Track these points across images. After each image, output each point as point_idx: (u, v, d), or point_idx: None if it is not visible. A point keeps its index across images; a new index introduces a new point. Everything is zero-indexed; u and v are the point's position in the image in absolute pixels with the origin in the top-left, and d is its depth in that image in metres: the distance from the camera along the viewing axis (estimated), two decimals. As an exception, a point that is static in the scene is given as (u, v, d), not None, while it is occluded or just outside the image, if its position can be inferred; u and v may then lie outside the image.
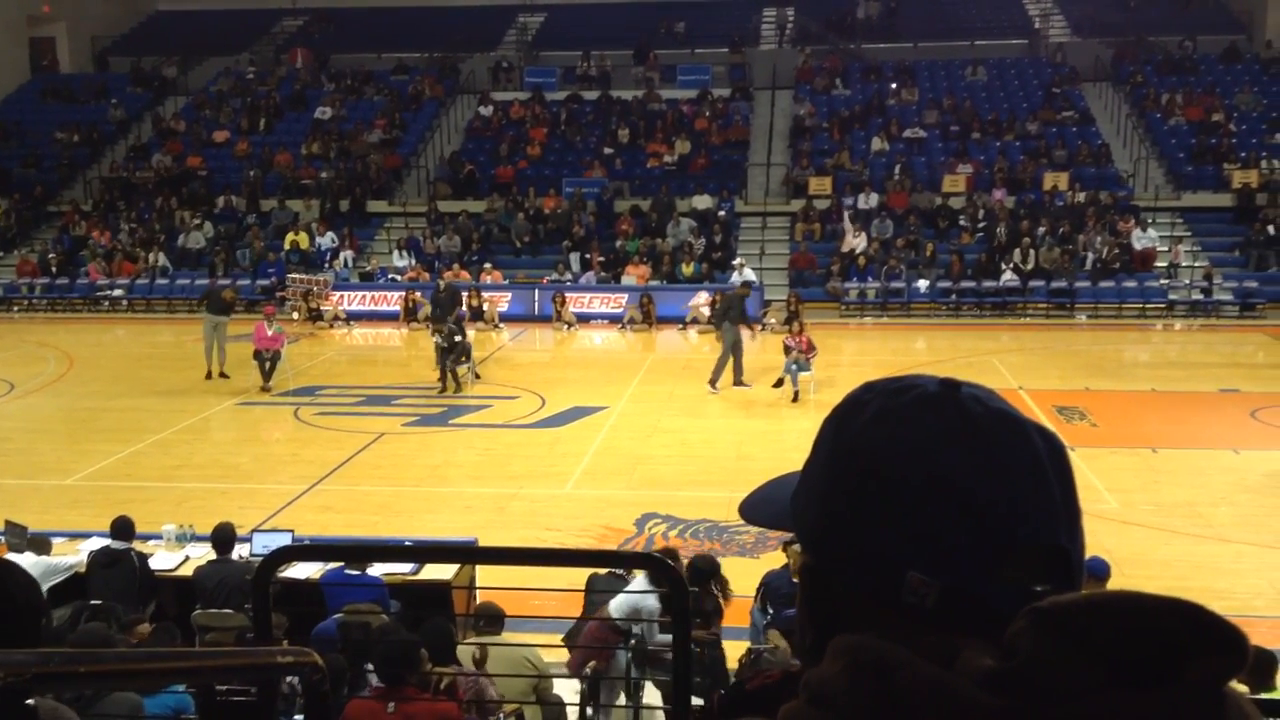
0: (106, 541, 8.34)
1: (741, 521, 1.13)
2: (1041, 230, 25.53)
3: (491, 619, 6.98)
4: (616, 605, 7.21)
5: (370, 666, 6.00)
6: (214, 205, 29.04)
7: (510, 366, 20.10)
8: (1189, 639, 0.74)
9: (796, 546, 1.03)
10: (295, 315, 23.99)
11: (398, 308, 24.39)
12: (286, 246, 26.79)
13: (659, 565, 3.10)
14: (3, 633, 1.83)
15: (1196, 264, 25.09)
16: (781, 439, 14.32)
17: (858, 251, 25.66)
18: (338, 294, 24.84)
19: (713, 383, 17.20)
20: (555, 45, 35.11)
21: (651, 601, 6.98)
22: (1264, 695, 5.59)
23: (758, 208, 28.09)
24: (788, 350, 16.50)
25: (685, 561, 7.55)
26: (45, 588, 8.08)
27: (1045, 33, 34.53)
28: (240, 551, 8.35)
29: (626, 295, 24.27)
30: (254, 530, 9.20)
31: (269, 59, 36.03)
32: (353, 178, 29.37)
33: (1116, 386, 17.68)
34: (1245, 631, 0.76)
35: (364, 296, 25.16)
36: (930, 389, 0.92)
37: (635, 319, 23.57)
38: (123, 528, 8.33)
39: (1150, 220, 26.21)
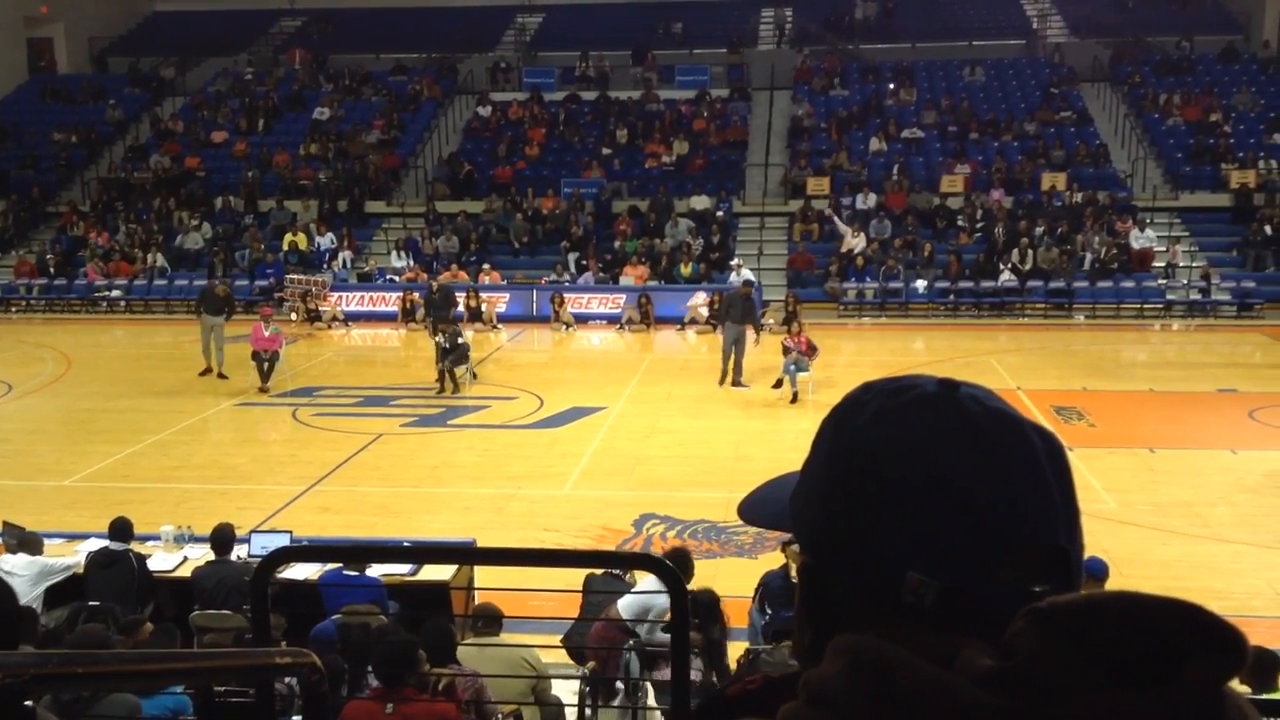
0: (105, 543, 8.33)
1: (740, 522, 1.13)
2: (1039, 230, 25.55)
3: (490, 619, 6.98)
4: (626, 605, 7.20)
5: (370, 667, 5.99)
6: (212, 206, 29.02)
7: (508, 367, 20.11)
8: (1188, 639, 0.74)
9: (795, 547, 1.03)
10: (293, 316, 23.98)
11: (396, 308, 24.38)
12: (285, 247, 26.77)
13: (657, 565, 3.10)
14: None
15: (1194, 264, 25.11)
16: (780, 439, 14.32)
17: (856, 252, 25.67)
18: (336, 295, 24.83)
19: (736, 381, 17.26)
20: (553, 46, 35.12)
21: (662, 601, 6.97)
22: (1265, 696, 5.59)
23: (756, 208, 28.10)
24: (786, 351, 16.50)
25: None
26: (41, 588, 8.08)
27: (1043, 33, 34.55)
28: (239, 552, 8.34)
29: (625, 296, 24.26)
30: (252, 531, 9.20)
31: (267, 59, 36.02)
32: (351, 178, 29.36)
33: (1114, 387, 17.69)
34: (1244, 631, 0.76)
35: (362, 297, 25.16)
36: (929, 389, 0.92)
37: (633, 319, 23.57)
38: (121, 529, 8.33)
39: (1148, 220, 26.22)
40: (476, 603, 7.92)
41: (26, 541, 8.35)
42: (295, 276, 25.05)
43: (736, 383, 17.35)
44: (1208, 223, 26.91)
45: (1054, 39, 33.95)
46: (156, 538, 9.08)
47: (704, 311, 23.32)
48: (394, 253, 26.88)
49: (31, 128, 32.64)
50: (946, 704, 0.76)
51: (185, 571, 8.44)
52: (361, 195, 28.99)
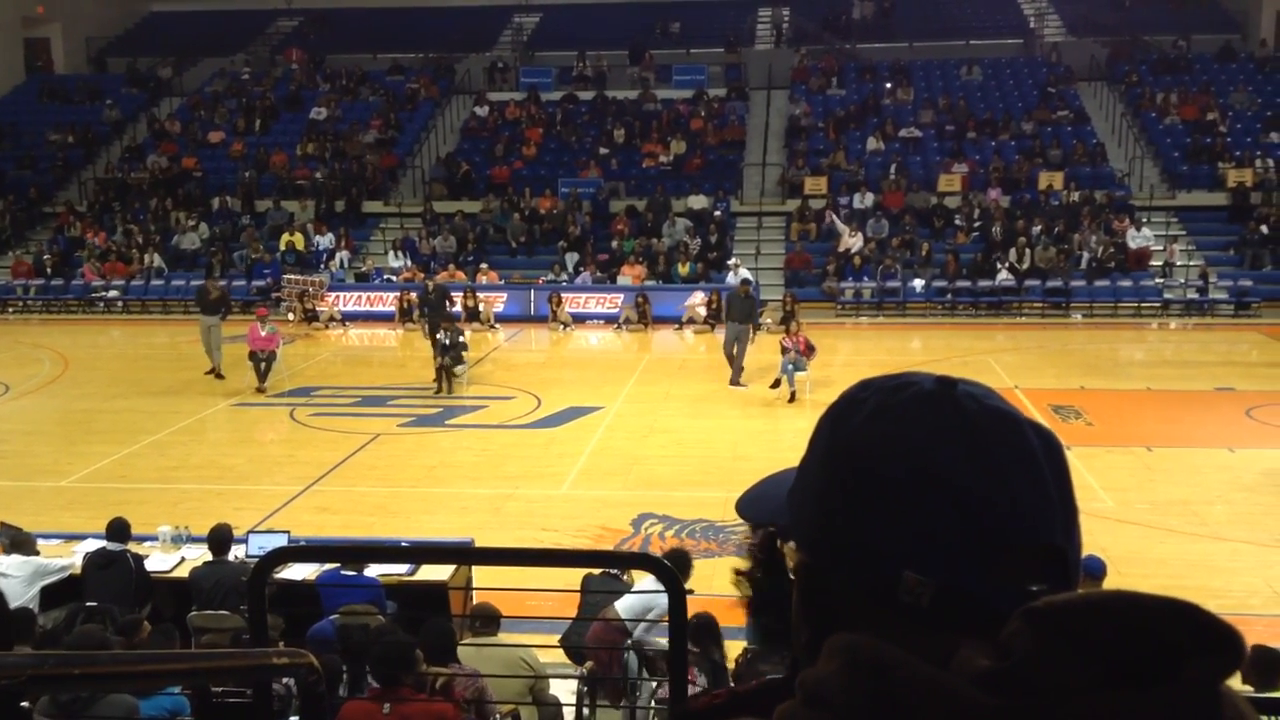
0: (102, 543, 8.32)
1: (738, 521, 1.12)
2: (1037, 229, 25.57)
3: (488, 619, 6.97)
4: (627, 606, 7.18)
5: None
6: (209, 206, 29.00)
7: (506, 367, 20.10)
8: (1185, 639, 0.74)
9: (792, 544, 1.03)
10: (291, 316, 23.97)
11: (393, 308, 24.37)
12: (282, 247, 26.75)
13: (655, 565, 3.10)
14: None
15: (1191, 263, 25.13)
16: (778, 439, 14.32)
17: (853, 251, 25.68)
18: (333, 295, 24.82)
19: (734, 381, 17.28)
20: (551, 46, 35.11)
21: (664, 600, 6.95)
22: (1270, 694, 5.58)
23: (753, 208, 28.10)
24: (784, 350, 16.50)
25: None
26: (36, 589, 8.06)
27: (1040, 32, 34.58)
28: (236, 553, 8.33)
29: (622, 295, 24.27)
30: (250, 531, 9.19)
31: (264, 60, 36.00)
32: (348, 178, 29.35)
33: (1112, 385, 17.70)
34: (1241, 631, 0.76)
35: (359, 297, 25.15)
36: (927, 386, 0.92)
37: (631, 319, 23.57)
38: (119, 529, 8.32)
39: (1145, 219, 26.23)
40: (474, 603, 7.91)
41: (20, 542, 8.33)
42: (292, 276, 25.04)
43: (735, 382, 17.35)
44: (1205, 221, 26.93)
45: (1051, 38, 33.97)
46: (154, 538, 9.07)
47: (701, 311, 23.32)
48: (391, 253, 26.87)
49: (28, 128, 32.62)
50: (943, 704, 0.76)
51: (183, 572, 8.43)
52: (359, 195, 28.97)
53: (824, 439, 0.95)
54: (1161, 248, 25.58)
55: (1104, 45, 32.47)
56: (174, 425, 15.55)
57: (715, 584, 8.11)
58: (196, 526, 9.19)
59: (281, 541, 8.33)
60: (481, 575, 8.20)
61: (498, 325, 23.71)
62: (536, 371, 20.01)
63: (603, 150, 29.83)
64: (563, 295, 23.96)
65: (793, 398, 16.31)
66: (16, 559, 8.11)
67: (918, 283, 24.79)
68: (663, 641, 6.40)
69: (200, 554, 8.48)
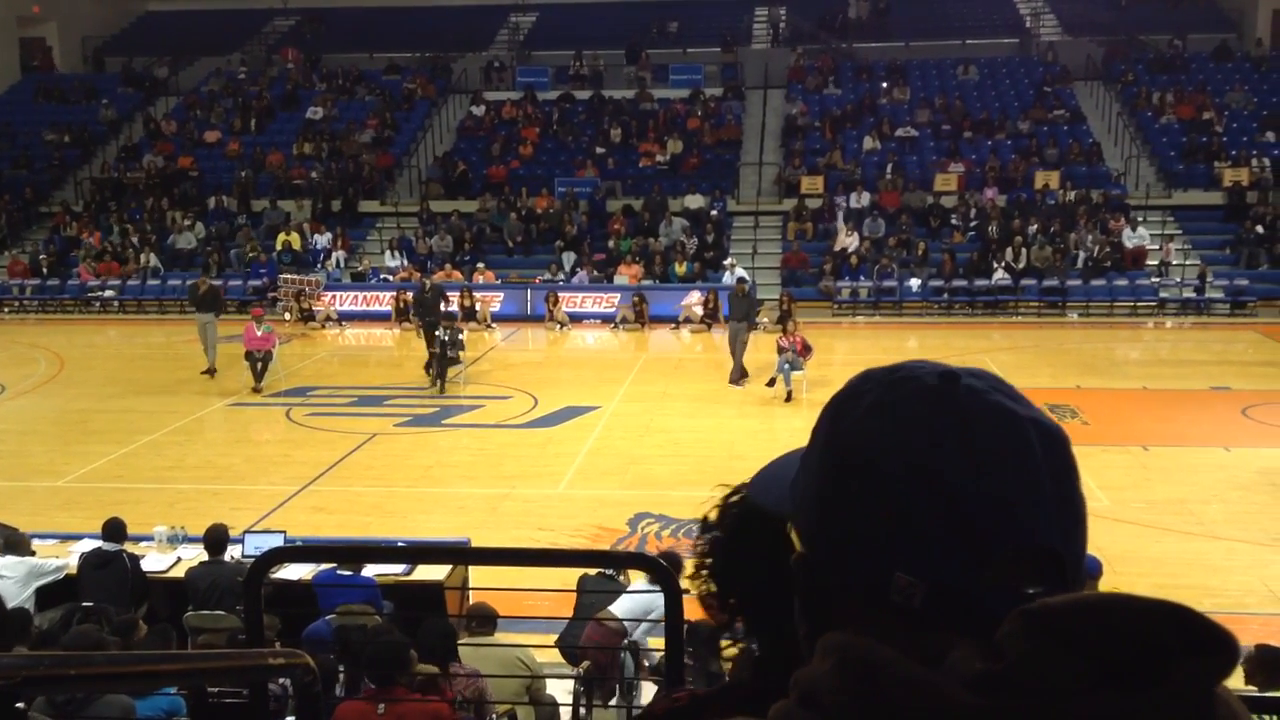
0: (98, 543, 8.31)
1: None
2: (1033, 229, 25.59)
3: (484, 619, 6.97)
4: (628, 605, 7.17)
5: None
6: (205, 206, 28.97)
7: (503, 366, 20.09)
8: (1178, 641, 0.74)
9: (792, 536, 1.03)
10: (287, 316, 23.95)
11: (390, 308, 24.34)
12: (278, 247, 26.72)
13: (651, 564, 3.09)
14: None
15: (1188, 262, 25.15)
16: (775, 438, 14.32)
17: (850, 250, 25.69)
18: (329, 294, 24.80)
19: (733, 380, 17.28)
20: (547, 45, 35.10)
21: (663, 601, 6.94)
22: (1272, 694, 5.57)
23: (750, 207, 28.10)
24: (781, 350, 16.51)
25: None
26: (31, 589, 8.05)
27: (1036, 32, 34.60)
28: (232, 553, 8.32)
29: (619, 295, 24.26)
30: (246, 531, 9.18)
31: (260, 59, 35.95)
32: (344, 178, 29.32)
33: (1108, 384, 17.72)
34: (1235, 633, 0.76)
35: (356, 297, 25.12)
36: (928, 381, 0.90)
37: (628, 319, 23.57)
38: (115, 530, 8.31)
39: (1141, 219, 26.26)
40: (471, 603, 7.91)
41: (15, 542, 8.32)
42: (289, 276, 25.01)
43: (734, 381, 17.35)
44: (1201, 221, 26.97)
45: (1047, 37, 34.00)
46: (150, 538, 9.06)
47: (698, 310, 23.33)
48: (388, 252, 26.85)
49: (24, 127, 32.56)
50: (932, 705, 0.76)
51: (179, 572, 8.42)
52: (355, 195, 28.95)
53: (823, 432, 0.94)
54: (1158, 247, 25.60)
55: (1100, 44, 32.50)
56: (170, 425, 15.53)
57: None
58: (192, 526, 9.18)
59: (278, 541, 8.33)
60: (478, 575, 8.20)
61: (494, 325, 23.69)
62: (533, 371, 20.00)
63: (599, 150, 29.82)
64: (559, 295, 23.95)
65: (789, 397, 16.31)
66: (12, 559, 8.10)
67: (914, 282, 24.80)
68: (659, 644, 6.40)
69: (196, 554, 8.47)
